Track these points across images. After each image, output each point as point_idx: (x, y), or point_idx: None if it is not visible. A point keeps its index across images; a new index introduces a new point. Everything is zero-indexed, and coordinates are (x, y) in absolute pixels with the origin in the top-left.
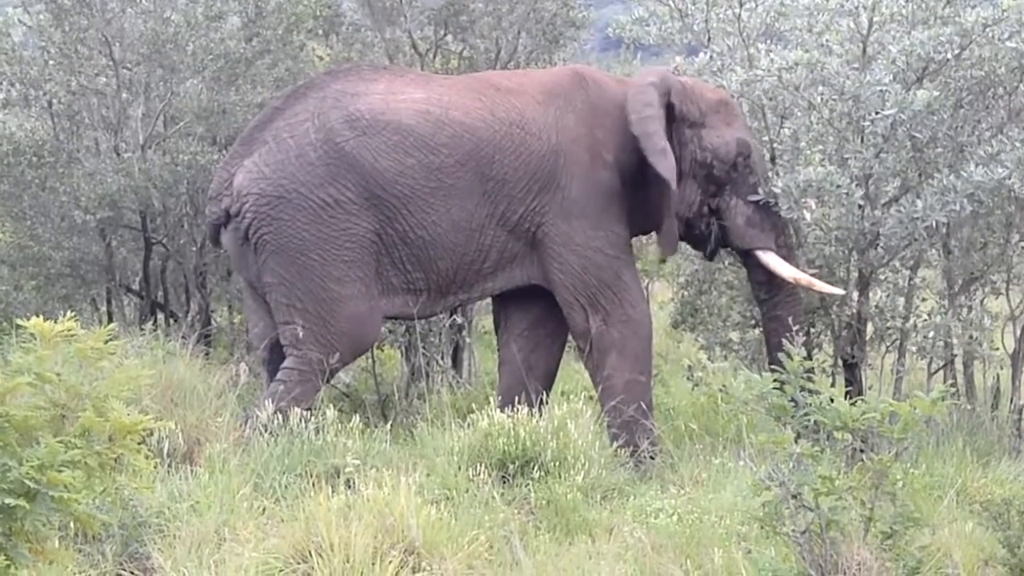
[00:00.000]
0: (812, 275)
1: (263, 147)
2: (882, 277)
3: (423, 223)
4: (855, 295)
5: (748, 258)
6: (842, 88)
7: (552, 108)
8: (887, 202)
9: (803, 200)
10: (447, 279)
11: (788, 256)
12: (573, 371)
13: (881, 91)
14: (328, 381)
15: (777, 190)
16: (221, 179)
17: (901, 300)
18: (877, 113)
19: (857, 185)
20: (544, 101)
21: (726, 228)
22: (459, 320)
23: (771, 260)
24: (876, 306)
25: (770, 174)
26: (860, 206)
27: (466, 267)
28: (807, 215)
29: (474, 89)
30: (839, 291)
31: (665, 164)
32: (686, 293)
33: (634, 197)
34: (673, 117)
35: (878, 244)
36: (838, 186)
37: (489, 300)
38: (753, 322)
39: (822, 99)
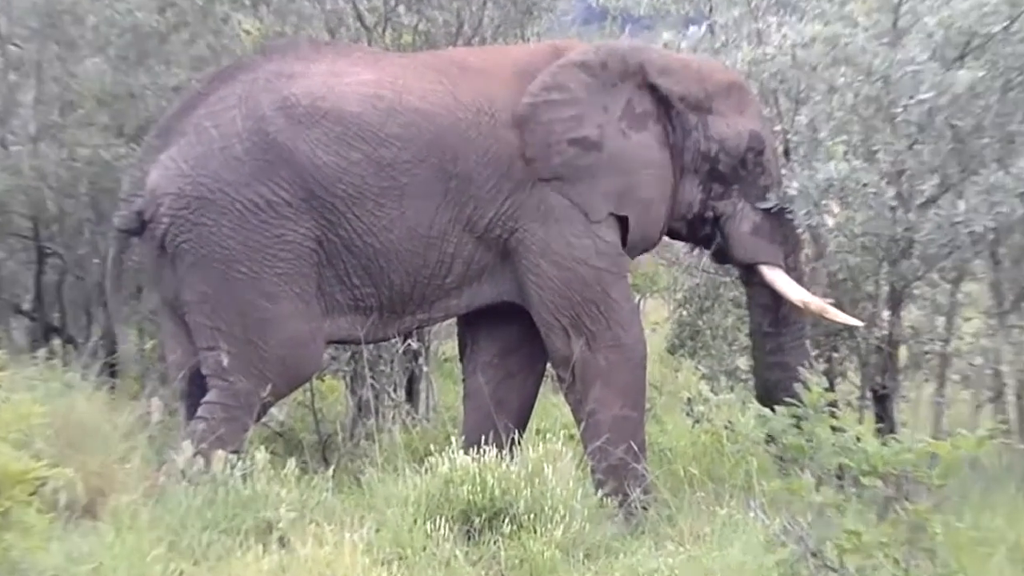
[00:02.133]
0: (828, 302)
1: (182, 139)
2: (918, 292)
3: (372, 229)
4: (886, 314)
5: (750, 275)
6: (869, 68)
7: (522, 92)
8: (923, 203)
9: (823, 202)
10: (402, 296)
11: (799, 278)
12: (551, 405)
13: (915, 71)
14: (259, 418)
15: (793, 191)
16: (132, 178)
17: (941, 319)
18: (911, 97)
19: (888, 183)
20: (518, 83)
21: (729, 236)
22: (415, 345)
23: (777, 278)
24: (911, 327)
25: (784, 173)
26: (891, 208)
27: (425, 281)
28: (828, 220)
29: (433, 69)
30: (856, 322)
31: (547, 160)
32: (685, 312)
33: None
34: (664, 99)
35: (913, 253)
36: (865, 185)
37: (452, 321)
38: None
39: (845, 81)
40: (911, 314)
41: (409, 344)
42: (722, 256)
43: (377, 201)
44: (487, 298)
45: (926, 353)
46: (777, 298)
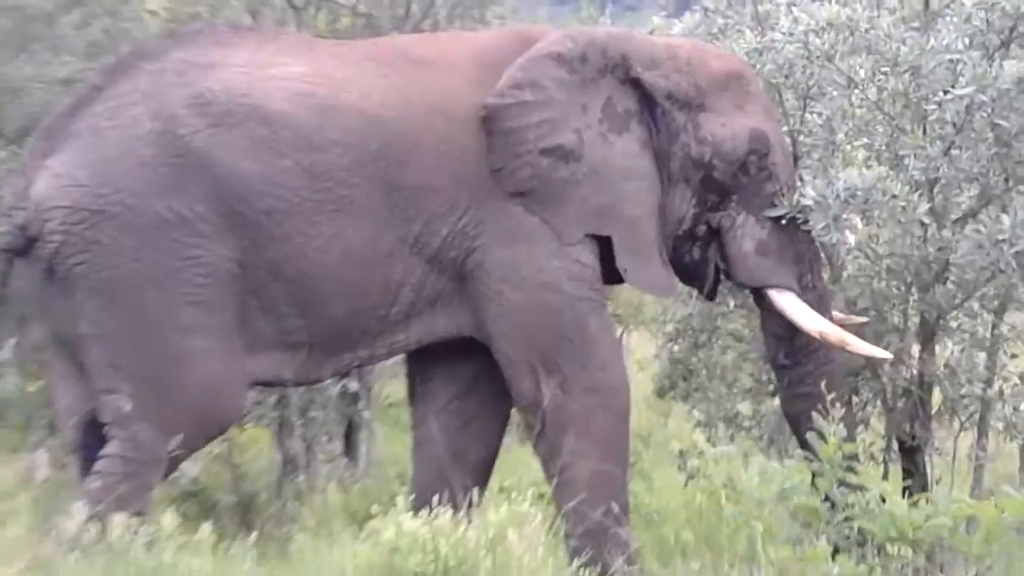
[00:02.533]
0: (847, 327)
1: (75, 142)
2: (954, 324)
3: (304, 251)
4: (916, 349)
5: (760, 300)
6: (895, 57)
7: (484, 91)
8: (960, 218)
9: (844, 216)
10: (340, 330)
11: (818, 301)
12: (517, 458)
13: (951, 61)
14: (168, 475)
15: (808, 201)
16: (14, 187)
17: (982, 356)
18: (946, 93)
19: (919, 194)
20: (478, 77)
21: (729, 255)
22: (354, 387)
23: (788, 304)
24: (946, 365)
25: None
26: (923, 224)
27: (367, 312)
28: (849, 237)
29: (378, 60)
30: (884, 354)
31: (508, 174)
32: (676, 348)
33: None
34: (647, 95)
35: (948, 277)
36: (893, 196)
37: (399, 359)
38: (771, 388)
39: (867, 74)
40: (946, 350)
41: (347, 386)
42: (715, 293)
43: (310, 218)
44: (441, 331)
45: (964, 397)
46: (792, 326)
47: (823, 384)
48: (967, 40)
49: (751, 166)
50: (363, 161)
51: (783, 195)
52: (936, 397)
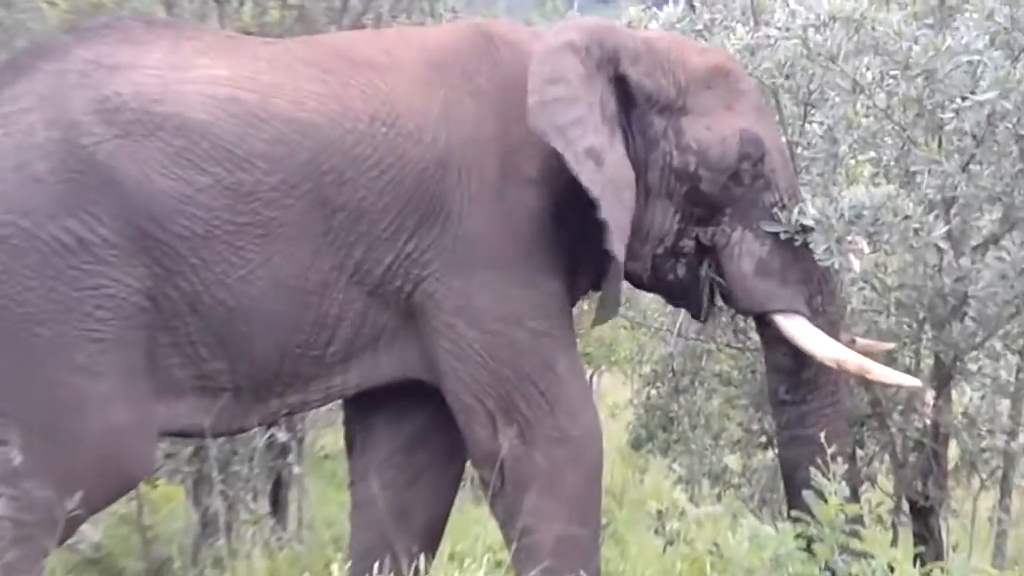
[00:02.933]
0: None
1: None
2: (973, 367)
3: (226, 280)
4: (929, 396)
5: (763, 328)
6: (906, 59)
7: (440, 91)
8: (981, 244)
9: (848, 239)
10: (267, 372)
11: (830, 326)
12: (471, 520)
13: (971, 63)
14: (65, 538)
15: (809, 221)
16: None
17: (1005, 404)
18: (964, 99)
19: (934, 216)
20: (427, 80)
21: (725, 276)
22: (282, 437)
23: (798, 330)
24: (964, 413)
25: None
26: (938, 250)
27: (298, 352)
28: (854, 263)
29: (313, 62)
30: (914, 382)
31: (592, 173)
32: (654, 392)
33: (577, 233)
34: (629, 95)
35: (967, 312)
36: (905, 217)
37: (336, 405)
38: (763, 439)
39: (875, 76)
40: (964, 396)
41: (274, 436)
42: (709, 314)
43: (232, 243)
44: (385, 374)
45: (984, 450)
46: (800, 357)
47: (824, 429)
48: (988, 39)
49: (744, 174)
50: (294, 178)
51: (784, 206)
52: (953, 451)
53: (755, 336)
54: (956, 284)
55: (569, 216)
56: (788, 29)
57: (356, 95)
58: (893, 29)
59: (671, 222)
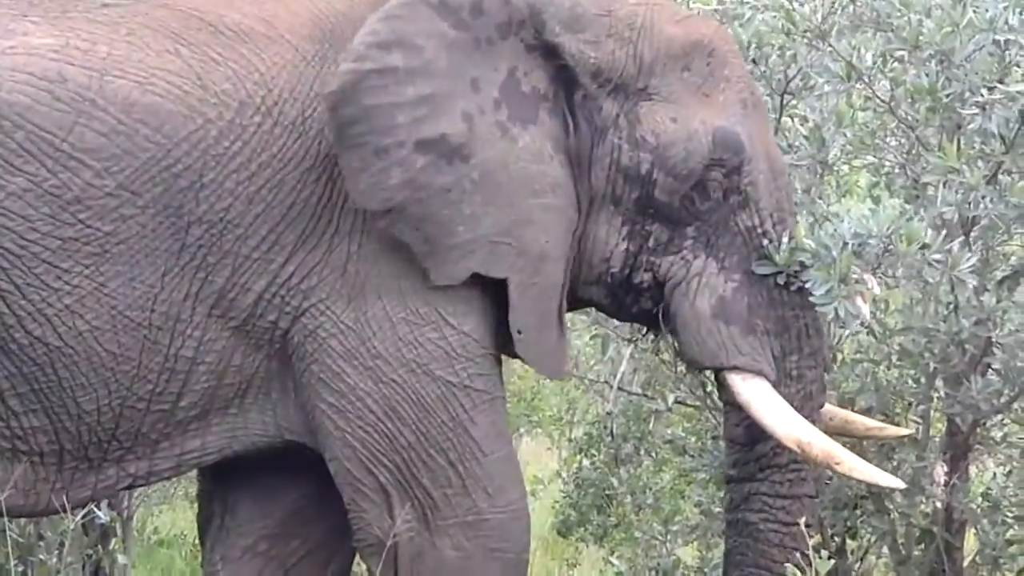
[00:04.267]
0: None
1: None
2: (997, 434)
3: (46, 312)
4: (941, 471)
5: (720, 386)
6: (916, 37)
7: (332, 69)
8: (1009, 276)
9: (855, 277)
10: (100, 431)
11: (803, 398)
12: None
13: (997, 44)
14: None
15: (803, 256)
16: None
17: None
18: (990, 90)
19: (958, 242)
20: (316, 56)
21: (676, 316)
22: (103, 516)
23: (755, 396)
24: (984, 495)
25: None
26: (953, 286)
27: (140, 407)
28: (863, 308)
29: (164, 30)
30: (895, 481)
31: (369, 180)
32: (588, 461)
33: None
34: (564, 69)
35: (989, 364)
36: (924, 246)
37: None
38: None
39: (875, 59)
40: (985, 473)
41: (93, 514)
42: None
43: (54, 263)
44: (253, 435)
45: (1010, 543)
46: (755, 428)
47: (776, 521)
48: (1019, 13)
49: (713, 185)
50: (137, 181)
51: (765, 232)
52: (970, 543)
53: (716, 393)
54: (976, 327)
55: None
56: None
57: (222, 74)
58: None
59: (617, 238)
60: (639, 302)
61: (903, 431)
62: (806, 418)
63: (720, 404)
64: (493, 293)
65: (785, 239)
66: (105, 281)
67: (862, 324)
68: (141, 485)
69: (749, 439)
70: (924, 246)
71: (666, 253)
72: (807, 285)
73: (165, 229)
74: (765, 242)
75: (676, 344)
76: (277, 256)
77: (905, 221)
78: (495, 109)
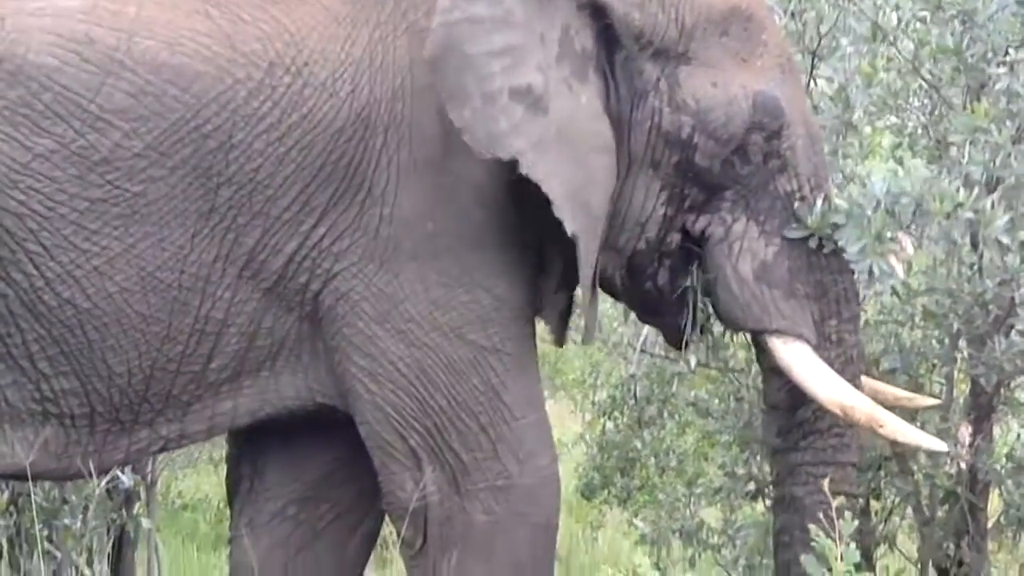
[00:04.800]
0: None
1: None
2: (1022, 396)
3: (74, 274)
4: (966, 432)
5: (760, 351)
6: None
7: (364, 30)
8: None
9: (889, 235)
10: (130, 394)
11: (844, 361)
12: None
13: (1021, 3)
14: None
15: (837, 216)
16: None
17: None
18: (1017, 49)
19: (991, 202)
20: (347, 16)
21: (717, 279)
22: (126, 481)
23: (796, 360)
24: (1008, 455)
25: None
26: (1000, 245)
27: (172, 368)
28: (897, 268)
29: None
30: (938, 444)
31: (519, 122)
32: (611, 424)
33: (542, 218)
34: (611, 32)
35: (1013, 324)
36: (957, 204)
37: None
38: (752, 487)
39: (900, 20)
40: (1009, 433)
41: (117, 479)
42: (690, 337)
43: (82, 225)
44: (285, 398)
45: None
46: (797, 392)
47: (826, 485)
48: None
49: (754, 149)
50: (166, 142)
51: (803, 197)
52: (994, 504)
53: (740, 354)
54: (1000, 288)
55: (533, 196)
56: None
57: (251, 34)
58: None
59: (655, 203)
60: (657, 275)
61: (932, 400)
62: (848, 382)
63: (744, 365)
64: (528, 255)
65: (819, 203)
66: (134, 242)
67: (896, 283)
68: (173, 448)
69: (791, 404)
70: (958, 204)
71: (702, 212)
72: (840, 243)
73: (195, 190)
74: (803, 206)
75: (712, 304)
76: (308, 218)
77: (937, 180)
78: (558, 64)
